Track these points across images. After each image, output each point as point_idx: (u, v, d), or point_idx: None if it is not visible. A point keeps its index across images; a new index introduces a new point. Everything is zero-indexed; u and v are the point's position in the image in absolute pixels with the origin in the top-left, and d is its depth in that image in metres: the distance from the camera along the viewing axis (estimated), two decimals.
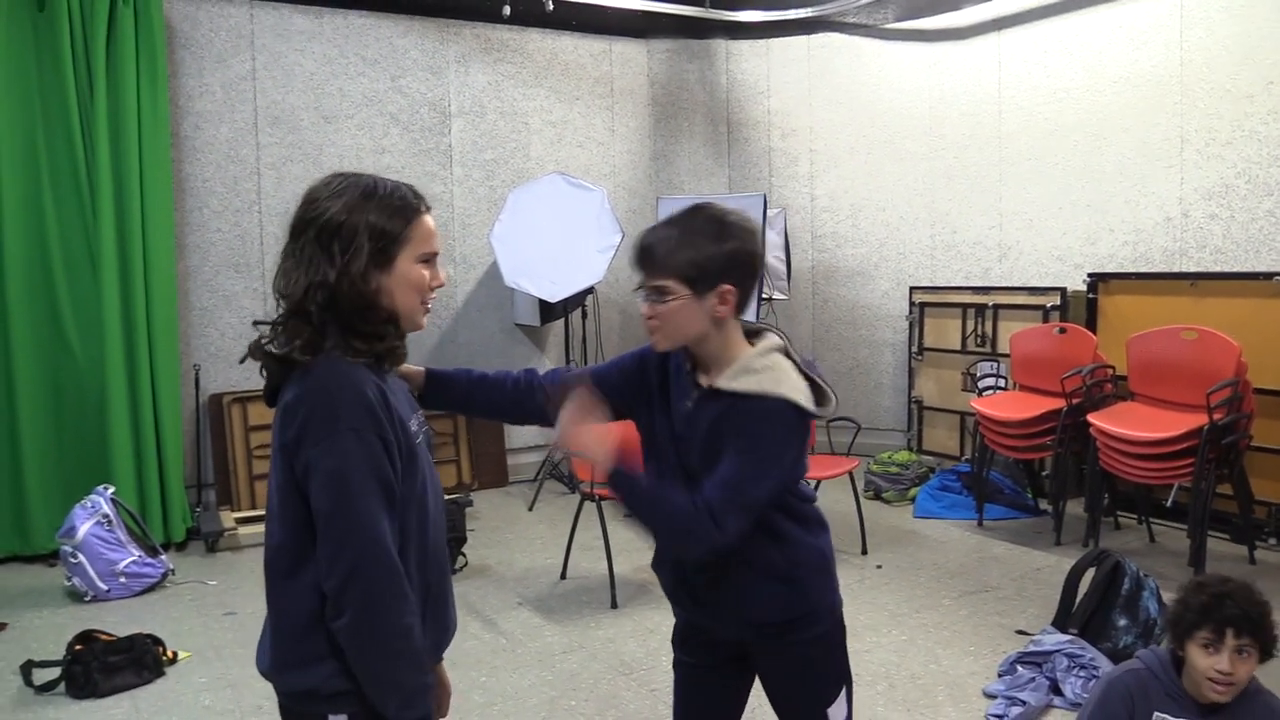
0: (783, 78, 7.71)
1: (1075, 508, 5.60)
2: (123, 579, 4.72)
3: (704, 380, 1.93)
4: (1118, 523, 5.56)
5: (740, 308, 1.91)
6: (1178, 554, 5.01)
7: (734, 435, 1.85)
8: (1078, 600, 3.86)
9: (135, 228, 5.42)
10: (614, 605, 4.53)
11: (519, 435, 7.16)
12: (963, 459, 6.61)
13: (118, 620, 4.35)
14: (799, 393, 1.86)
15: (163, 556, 4.97)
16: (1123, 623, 3.68)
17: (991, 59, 6.65)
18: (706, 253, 1.84)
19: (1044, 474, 6.13)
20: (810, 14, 7.42)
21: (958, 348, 6.73)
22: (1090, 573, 3.87)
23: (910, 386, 7.12)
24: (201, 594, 4.83)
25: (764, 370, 1.87)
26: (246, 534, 5.59)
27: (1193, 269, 5.61)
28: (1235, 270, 5.41)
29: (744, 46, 7.78)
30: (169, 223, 5.63)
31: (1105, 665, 3.44)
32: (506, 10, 6.36)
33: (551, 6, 6.37)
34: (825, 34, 7.52)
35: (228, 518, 5.70)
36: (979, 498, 5.74)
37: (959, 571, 4.92)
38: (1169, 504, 5.27)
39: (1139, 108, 5.86)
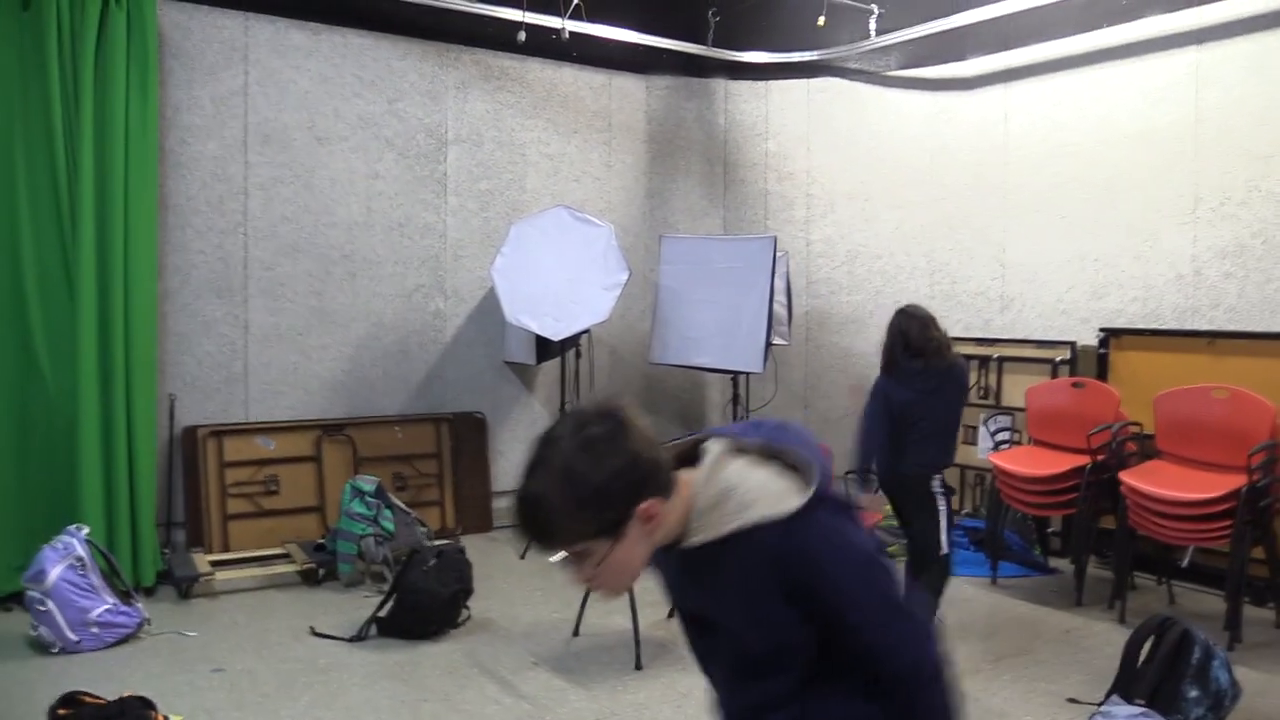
0: (781, 120, 7.62)
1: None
2: (95, 629, 4.30)
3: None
4: (1133, 583, 5.45)
5: (667, 494, 1.50)
6: (1201, 616, 4.89)
7: (798, 596, 1.49)
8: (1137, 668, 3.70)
9: (117, 246, 5.05)
10: (638, 666, 4.24)
11: (503, 477, 6.84)
12: (962, 513, 6.48)
13: (92, 677, 3.93)
14: (774, 498, 1.48)
15: (138, 605, 4.54)
16: (1194, 694, 3.53)
17: (998, 110, 6.62)
18: (599, 495, 1.43)
19: (1051, 531, 6.03)
20: (812, 58, 7.34)
21: None
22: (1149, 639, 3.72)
23: None
24: (181, 646, 4.42)
25: (720, 502, 1.51)
26: (223, 579, 5.18)
27: (1205, 327, 5.58)
28: (1250, 330, 5.39)
29: (743, 87, 7.67)
30: (152, 242, 5.26)
31: None
32: (522, 36, 6.14)
33: (567, 36, 6.17)
34: (826, 78, 7.45)
35: (201, 561, 5.28)
36: (994, 555, 5.59)
37: (988, 634, 4.75)
38: (1185, 565, 5.19)
39: (1152, 164, 5.86)
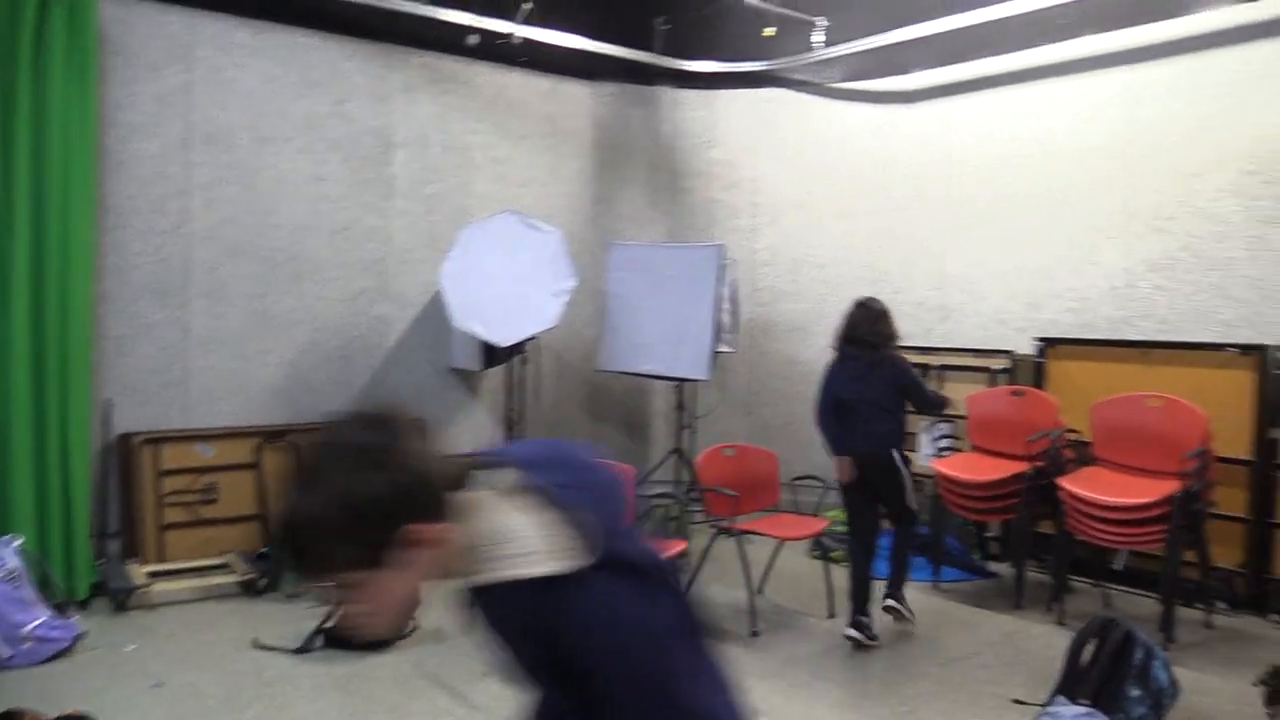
0: (728, 129, 7.68)
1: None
2: (29, 643, 4.15)
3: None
4: (1069, 586, 5.60)
5: (438, 518, 1.36)
6: (1136, 617, 5.00)
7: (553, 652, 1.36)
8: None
9: (53, 246, 4.89)
10: None
11: None
12: None
13: (28, 693, 3.81)
14: (546, 556, 1.34)
15: (74, 618, 4.40)
16: (1136, 693, 3.63)
17: (940, 124, 6.77)
18: (360, 516, 1.30)
19: (990, 536, 6.16)
20: (759, 68, 7.43)
21: None
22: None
23: None
24: (119, 661, 4.29)
25: (491, 547, 1.37)
26: (160, 591, 5.04)
27: (1136, 337, 5.77)
28: (1179, 340, 5.57)
29: (690, 95, 7.72)
30: (90, 242, 5.11)
31: None
32: (474, 40, 6.09)
33: (518, 41, 6.14)
34: (772, 89, 7.54)
35: (137, 572, 5.13)
36: (937, 560, 5.69)
37: (932, 637, 4.84)
38: (1120, 568, 5.36)
39: (1087, 179, 6.04)
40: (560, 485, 1.40)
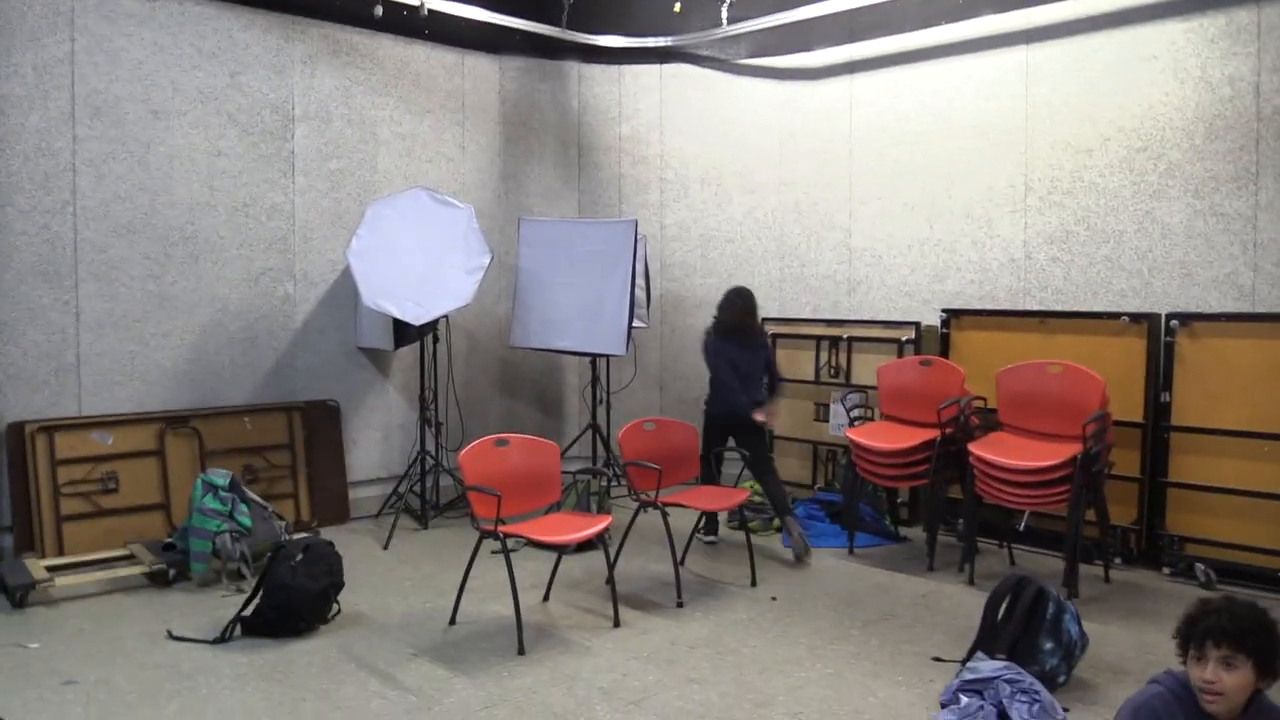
0: (635, 105, 7.67)
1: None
2: None
3: None
4: (977, 548, 5.81)
5: None
6: (1042, 575, 5.27)
7: None
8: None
9: None
10: (521, 651, 4.21)
11: (359, 467, 6.64)
12: (816, 488, 6.75)
13: None
14: None
15: None
16: (1049, 646, 3.81)
17: (844, 100, 6.89)
18: None
19: (900, 502, 6.35)
20: (665, 43, 7.43)
21: (810, 378, 6.88)
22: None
23: None
24: (24, 659, 4.08)
25: None
26: (63, 585, 4.82)
27: (1035, 307, 6.00)
28: (1075, 310, 5.83)
29: (596, 71, 7.68)
30: None
31: (1042, 689, 3.52)
32: (379, 11, 5.93)
33: (425, 13, 5.99)
34: (678, 64, 7.56)
35: (36, 567, 4.88)
36: (850, 526, 5.85)
37: (852, 600, 4.97)
38: (1021, 529, 5.58)
39: (986, 154, 6.24)
40: None
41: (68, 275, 5.46)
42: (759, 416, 5.64)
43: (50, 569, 4.90)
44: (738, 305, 5.81)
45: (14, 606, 4.66)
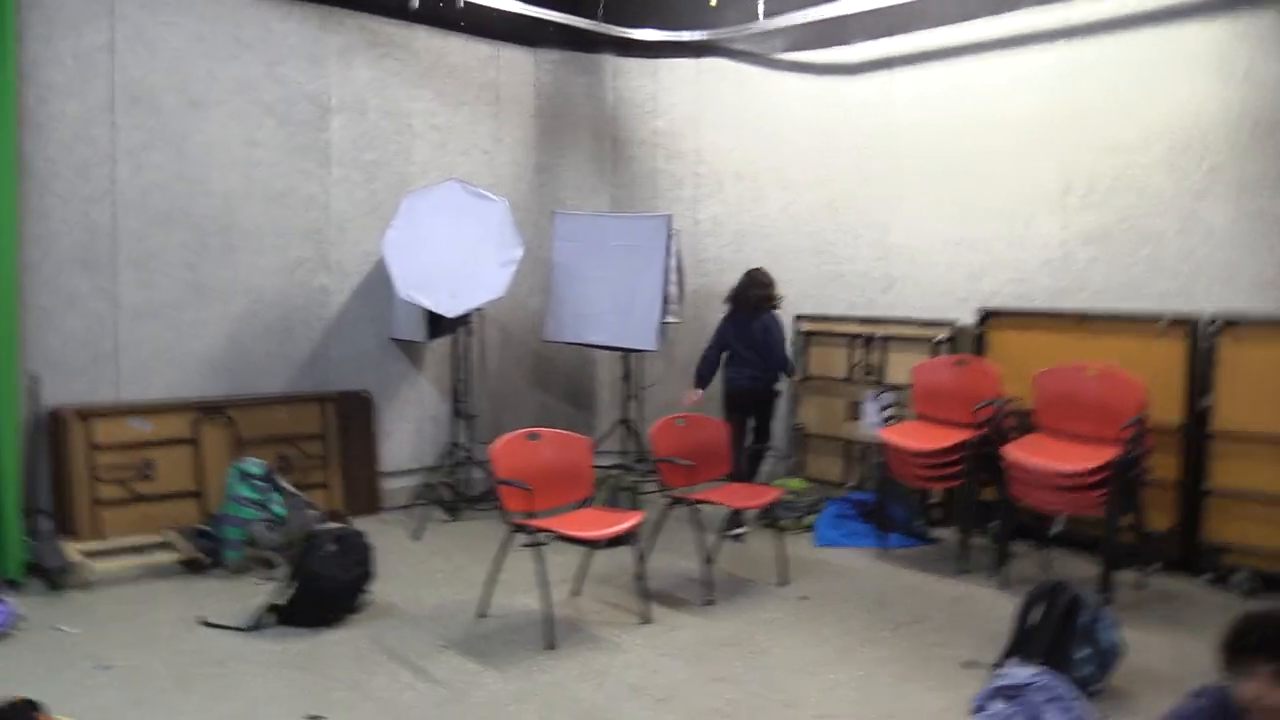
0: (670, 99, 7.64)
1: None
2: None
3: None
4: (1010, 551, 5.74)
5: None
6: (1077, 581, 5.20)
7: None
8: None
9: None
10: (551, 646, 4.21)
11: (391, 457, 6.67)
12: (847, 486, 6.70)
13: None
14: None
15: (10, 600, 4.22)
16: (1083, 653, 3.75)
17: (882, 96, 6.81)
18: None
19: (932, 503, 6.29)
20: (701, 37, 7.38)
21: (843, 376, 6.82)
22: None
23: (792, 413, 7.15)
24: (60, 643, 4.13)
25: None
26: (100, 569, 4.87)
27: (1073, 308, 5.91)
28: (1114, 311, 5.72)
29: (632, 64, 7.64)
30: (10, 208, 4.85)
31: (1077, 696, 3.47)
32: (415, 2, 5.93)
33: (461, 4, 5.99)
34: (714, 59, 7.51)
35: (72, 550, 4.94)
36: (882, 526, 5.80)
37: (882, 602, 4.93)
38: (1054, 533, 5.50)
39: (1025, 152, 6.13)
40: None
41: (107, 264, 5.51)
42: (690, 396, 6.11)
43: (86, 554, 4.96)
44: (737, 285, 6.28)
45: (51, 590, 4.72)
